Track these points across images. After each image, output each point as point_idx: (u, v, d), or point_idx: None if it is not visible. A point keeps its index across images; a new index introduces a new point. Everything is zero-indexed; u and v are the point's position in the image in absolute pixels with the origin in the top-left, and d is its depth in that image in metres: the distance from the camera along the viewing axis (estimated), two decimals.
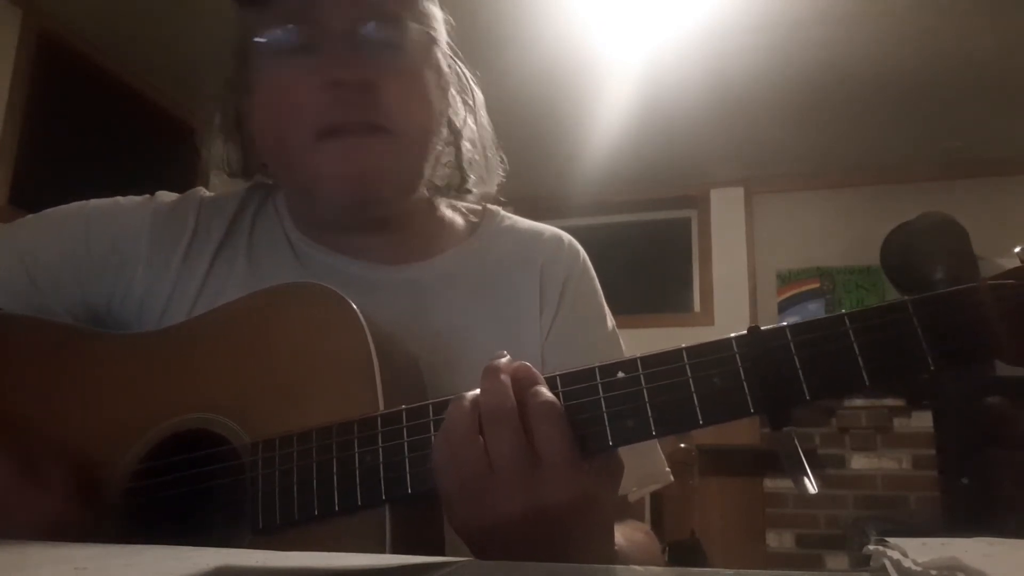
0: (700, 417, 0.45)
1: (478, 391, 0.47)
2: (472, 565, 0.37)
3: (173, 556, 0.35)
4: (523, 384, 0.47)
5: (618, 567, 0.34)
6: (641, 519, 0.77)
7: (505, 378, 0.47)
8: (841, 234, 3.95)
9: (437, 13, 0.71)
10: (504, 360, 0.48)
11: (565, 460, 0.45)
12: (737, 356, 0.46)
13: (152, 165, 3.20)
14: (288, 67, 0.64)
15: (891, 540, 0.36)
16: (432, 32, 0.69)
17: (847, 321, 0.45)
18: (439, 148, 0.73)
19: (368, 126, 0.63)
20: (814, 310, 3.91)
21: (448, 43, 0.73)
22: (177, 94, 3.27)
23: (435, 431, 0.49)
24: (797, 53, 2.93)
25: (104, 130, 3.02)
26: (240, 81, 0.69)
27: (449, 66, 0.73)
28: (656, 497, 2.03)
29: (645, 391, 0.46)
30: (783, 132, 3.58)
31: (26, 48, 2.67)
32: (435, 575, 0.35)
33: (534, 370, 0.48)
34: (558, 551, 0.47)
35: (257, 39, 0.65)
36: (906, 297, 0.45)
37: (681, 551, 2.43)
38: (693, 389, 0.46)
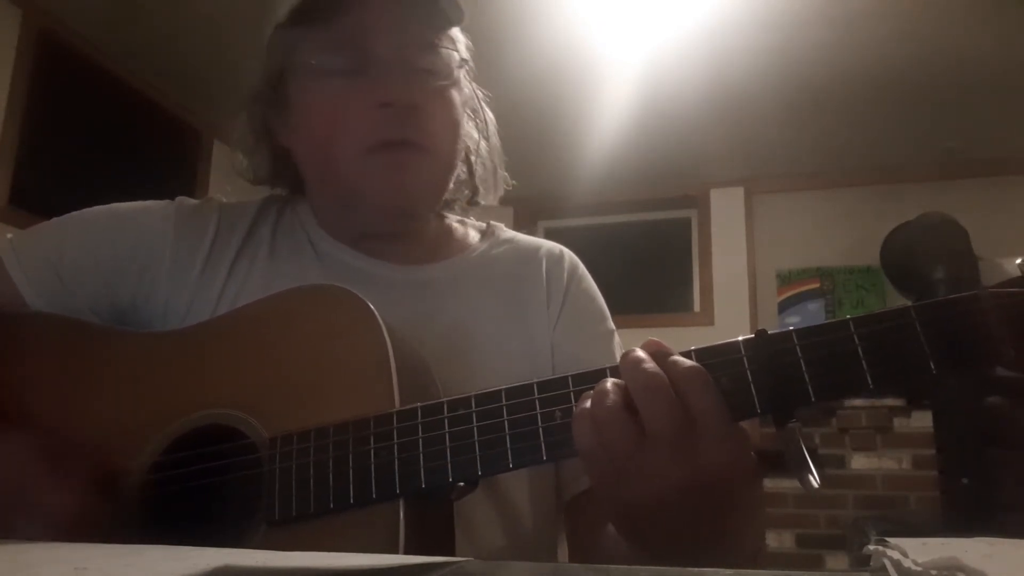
0: None
1: (611, 381, 0.47)
2: (472, 565, 0.37)
3: (173, 556, 0.35)
4: (659, 356, 0.48)
5: (616, 567, 0.34)
6: None
7: (644, 353, 0.48)
8: (841, 234, 3.95)
9: (462, 38, 0.76)
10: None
11: (720, 421, 0.46)
12: (744, 358, 0.47)
13: (152, 165, 3.20)
14: (337, 87, 0.69)
15: (891, 540, 0.36)
16: (462, 58, 0.74)
17: (852, 325, 0.46)
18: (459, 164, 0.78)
19: (410, 144, 0.68)
20: (814, 310, 3.91)
21: (472, 72, 0.78)
22: (177, 94, 3.27)
23: (449, 428, 0.50)
24: (797, 53, 2.93)
25: (104, 130, 3.02)
26: (274, 96, 0.74)
27: (471, 97, 0.78)
28: None
29: None
30: (783, 132, 3.58)
31: (26, 48, 2.66)
32: (435, 575, 0.35)
33: (664, 343, 0.49)
34: (725, 520, 0.48)
35: (307, 60, 0.70)
36: (910, 303, 0.46)
37: None
38: None
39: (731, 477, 0.46)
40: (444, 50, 0.71)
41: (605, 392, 0.47)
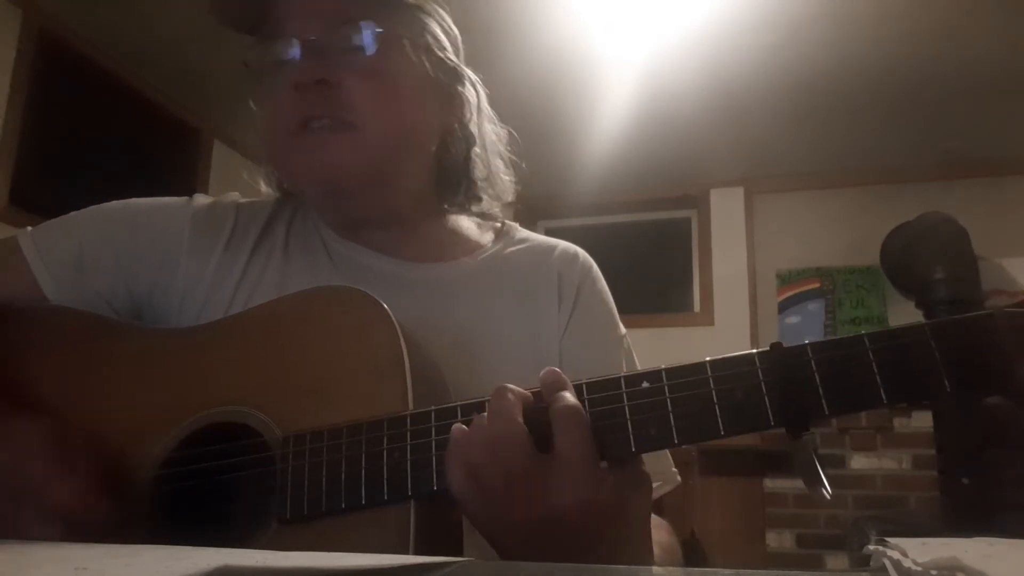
0: (722, 428, 0.47)
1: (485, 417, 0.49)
2: (472, 565, 0.37)
3: (173, 556, 0.35)
4: (550, 388, 0.49)
5: (617, 567, 0.34)
6: None
7: (512, 397, 0.49)
8: (841, 234, 3.95)
9: (430, 24, 0.75)
10: (514, 386, 0.50)
11: (581, 460, 0.47)
12: (760, 371, 0.47)
13: (152, 165, 3.20)
14: (273, 80, 0.70)
15: (891, 540, 0.36)
16: (407, 37, 0.72)
17: (867, 342, 0.46)
18: (430, 150, 0.76)
19: (331, 122, 0.68)
20: (814, 310, 3.91)
21: (443, 50, 0.76)
22: (177, 94, 3.27)
23: None
24: (797, 53, 2.93)
25: (104, 130, 3.02)
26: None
27: (441, 72, 0.75)
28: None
29: (669, 401, 0.48)
30: (783, 132, 3.58)
31: (26, 48, 2.66)
32: (435, 575, 0.35)
33: (563, 376, 0.50)
34: (589, 556, 0.48)
35: (250, 62, 0.71)
36: (924, 321, 0.46)
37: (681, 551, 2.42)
38: (716, 401, 0.47)
39: (596, 520, 0.47)
40: (373, 28, 0.69)
41: (474, 432, 0.48)
